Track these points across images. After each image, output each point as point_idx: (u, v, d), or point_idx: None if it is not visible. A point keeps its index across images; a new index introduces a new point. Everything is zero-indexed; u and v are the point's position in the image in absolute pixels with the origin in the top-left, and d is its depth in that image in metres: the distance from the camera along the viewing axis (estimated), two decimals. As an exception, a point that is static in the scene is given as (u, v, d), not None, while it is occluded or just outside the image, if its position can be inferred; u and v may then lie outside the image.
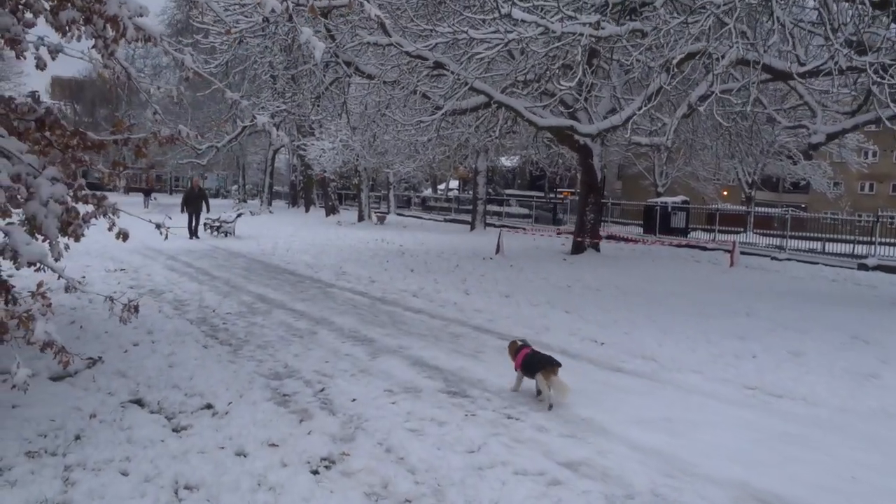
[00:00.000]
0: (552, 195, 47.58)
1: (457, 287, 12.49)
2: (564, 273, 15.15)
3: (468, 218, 38.16)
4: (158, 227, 6.50)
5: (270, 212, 42.19)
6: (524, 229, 33.12)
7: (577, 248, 19.88)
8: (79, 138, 7.02)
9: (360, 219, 33.34)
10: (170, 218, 6.70)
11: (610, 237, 25.13)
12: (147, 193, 44.71)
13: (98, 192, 6.32)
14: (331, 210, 36.55)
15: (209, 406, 5.13)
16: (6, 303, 4.48)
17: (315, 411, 5.19)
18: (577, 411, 5.41)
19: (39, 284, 4.58)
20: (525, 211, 42.74)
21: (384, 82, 14.32)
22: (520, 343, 6.18)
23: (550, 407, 5.51)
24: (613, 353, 7.69)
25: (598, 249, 20.21)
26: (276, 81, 26.69)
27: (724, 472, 4.30)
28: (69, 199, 6.14)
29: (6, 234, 4.93)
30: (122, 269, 12.71)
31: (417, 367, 6.60)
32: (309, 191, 45.66)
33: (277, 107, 21.01)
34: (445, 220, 39.98)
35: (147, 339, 7.09)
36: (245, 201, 55.50)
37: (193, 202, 22.02)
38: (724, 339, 8.63)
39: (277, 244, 20.08)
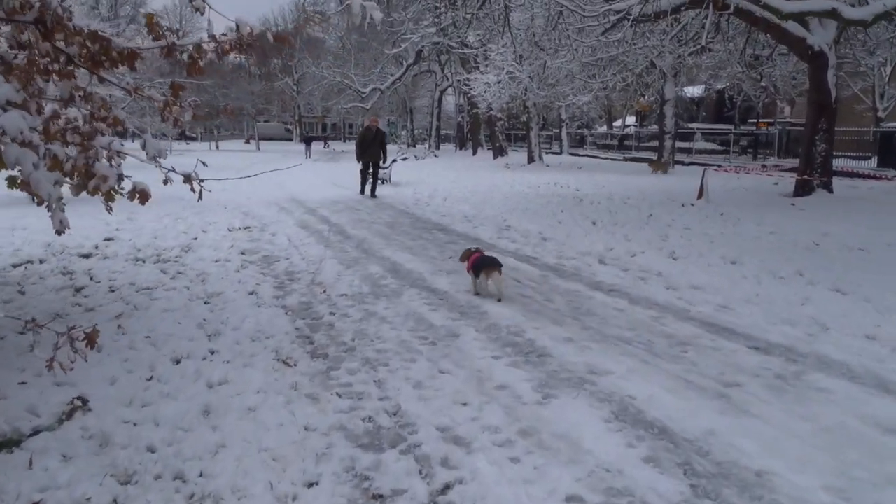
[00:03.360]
0: (752, 127, 41.27)
1: (657, 247, 9.23)
2: (799, 224, 11.25)
3: (651, 156, 33.82)
4: (188, 178, 4.00)
5: (435, 155, 40.22)
6: (719, 166, 28.33)
7: (804, 189, 15.49)
8: (100, 45, 4.68)
9: (531, 160, 30.20)
10: (205, 164, 4.17)
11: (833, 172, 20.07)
12: (308, 142, 43.78)
13: (86, 126, 3.91)
14: (498, 152, 33.69)
15: (207, 550, 2.54)
16: None
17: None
18: None
19: None
20: (712, 146, 37.47)
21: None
22: (472, 250, 6.78)
23: (500, 300, 6.28)
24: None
25: (830, 189, 15.67)
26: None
27: None
28: (35, 135, 3.77)
29: None
30: (246, 228, 10.75)
31: (627, 426, 3.62)
32: (476, 132, 43.05)
33: (434, 29, 17.82)
34: (625, 159, 35.75)
35: (203, 349, 4.69)
36: (414, 145, 54.22)
37: (370, 147, 16.22)
38: None
39: (435, 192, 17.63)
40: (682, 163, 29.46)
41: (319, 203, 14.79)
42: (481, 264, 6.42)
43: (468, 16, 13.02)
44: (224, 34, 5.02)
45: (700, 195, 14.71)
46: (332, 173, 26.40)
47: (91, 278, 6.73)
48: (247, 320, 5.45)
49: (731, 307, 6.20)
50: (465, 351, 4.85)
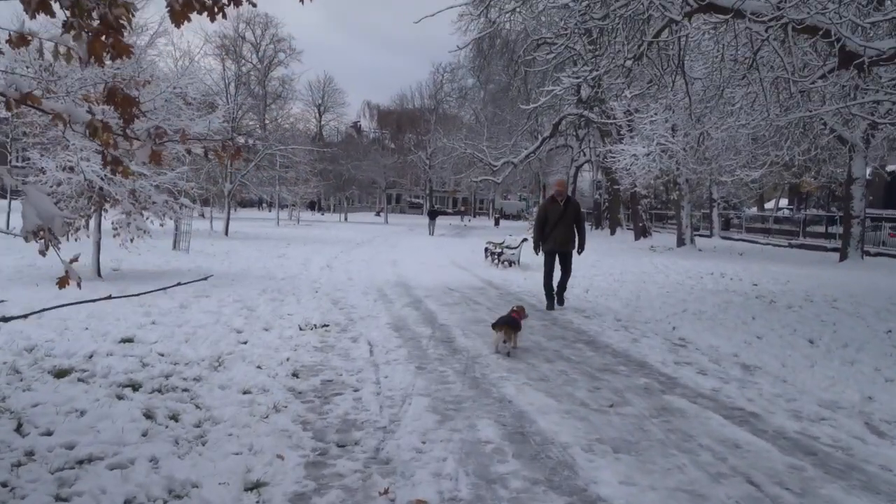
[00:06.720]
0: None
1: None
2: None
3: (822, 243, 29.18)
4: None
5: (569, 234, 36.94)
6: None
7: None
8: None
9: (680, 243, 26.31)
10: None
11: None
12: (433, 216, 41.63)
13: None
14: (641, 232, 30.04)
15: None
16: None
17: None
18: None
19: None
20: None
21: (750, 17, 7.86)
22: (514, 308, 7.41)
23: (508, 354, 6.86)
24: None
25: None
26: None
27: None
28: None
29: None
30: (323, 326, 8.02)
31: None
32: (615, 210, 39.59)
33: (577, 78, 14.34)
34: (791, 246, 30.89)
35: None
36: (544, 223, 51.21)
37: (557, 228, 10.23)
38: None
39: (573, 279, 14.41)
40: (869, 253, 24.58)
41: (430, 290, 11.96)
42: (497, 322, 7.03)
43: (628, 61, 10.01)
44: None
45: (949, 303, 10.58)
46: (455, 250, 23.85)
47: (17, 428, 4.07)
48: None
49: None
50: None
